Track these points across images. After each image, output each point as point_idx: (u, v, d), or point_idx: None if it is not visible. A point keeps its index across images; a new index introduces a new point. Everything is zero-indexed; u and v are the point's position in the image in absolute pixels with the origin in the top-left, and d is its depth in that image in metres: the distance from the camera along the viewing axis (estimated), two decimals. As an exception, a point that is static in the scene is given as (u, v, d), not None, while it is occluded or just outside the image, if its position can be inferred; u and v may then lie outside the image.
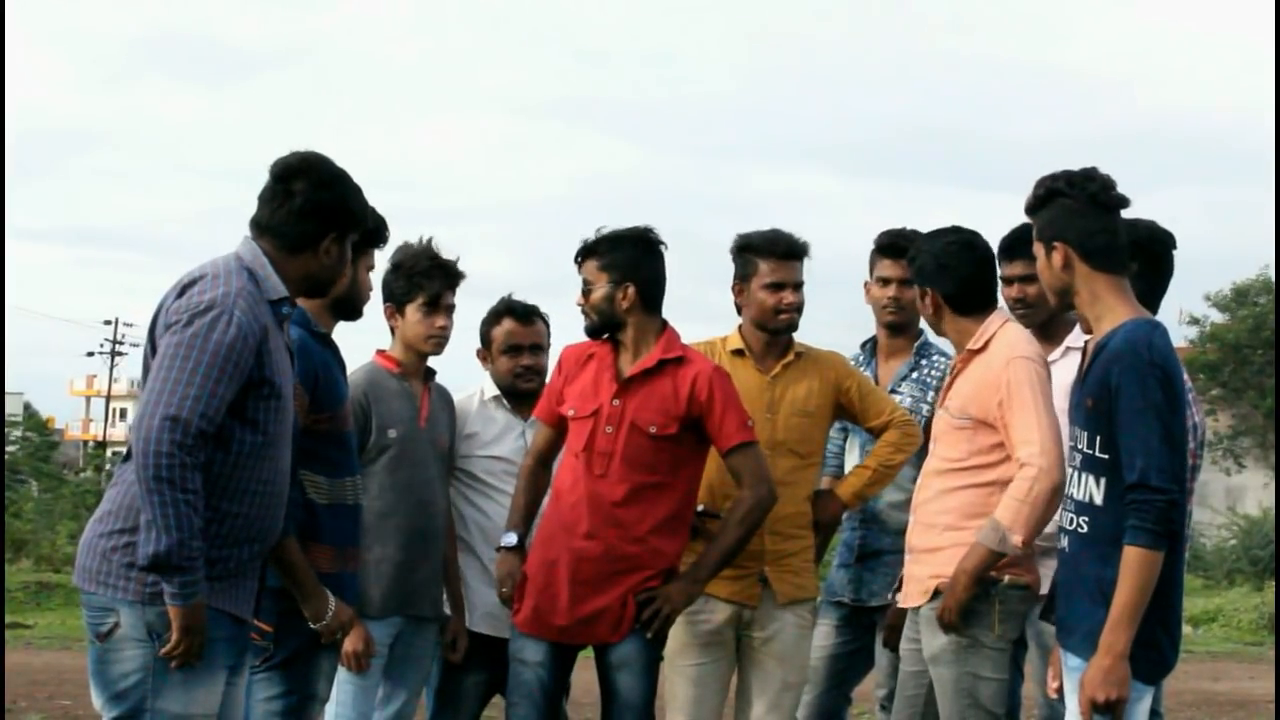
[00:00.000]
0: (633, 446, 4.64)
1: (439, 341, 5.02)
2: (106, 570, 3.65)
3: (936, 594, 4.61)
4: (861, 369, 5.42)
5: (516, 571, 4.71)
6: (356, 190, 3.96)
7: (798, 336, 5.07)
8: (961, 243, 4.73)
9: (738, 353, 5.03)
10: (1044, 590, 4.41)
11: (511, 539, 4.77)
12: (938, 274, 4.69)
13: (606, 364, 4.74)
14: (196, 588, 3.56)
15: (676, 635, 4.86)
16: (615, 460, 4.63)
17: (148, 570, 3.55)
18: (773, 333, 5.01)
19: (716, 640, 4.93)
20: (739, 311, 5.07)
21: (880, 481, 5.09)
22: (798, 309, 5.00)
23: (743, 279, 5.02)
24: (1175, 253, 4.74)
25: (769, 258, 4.97)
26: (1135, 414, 3.69)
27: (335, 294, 4.33)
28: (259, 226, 3.85)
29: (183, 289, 3.70)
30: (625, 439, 4.64)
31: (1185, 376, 4.11)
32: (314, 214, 3.84)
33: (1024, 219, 4.09)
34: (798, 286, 5.00)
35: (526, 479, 4.86)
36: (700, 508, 4.84)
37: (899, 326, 5.39)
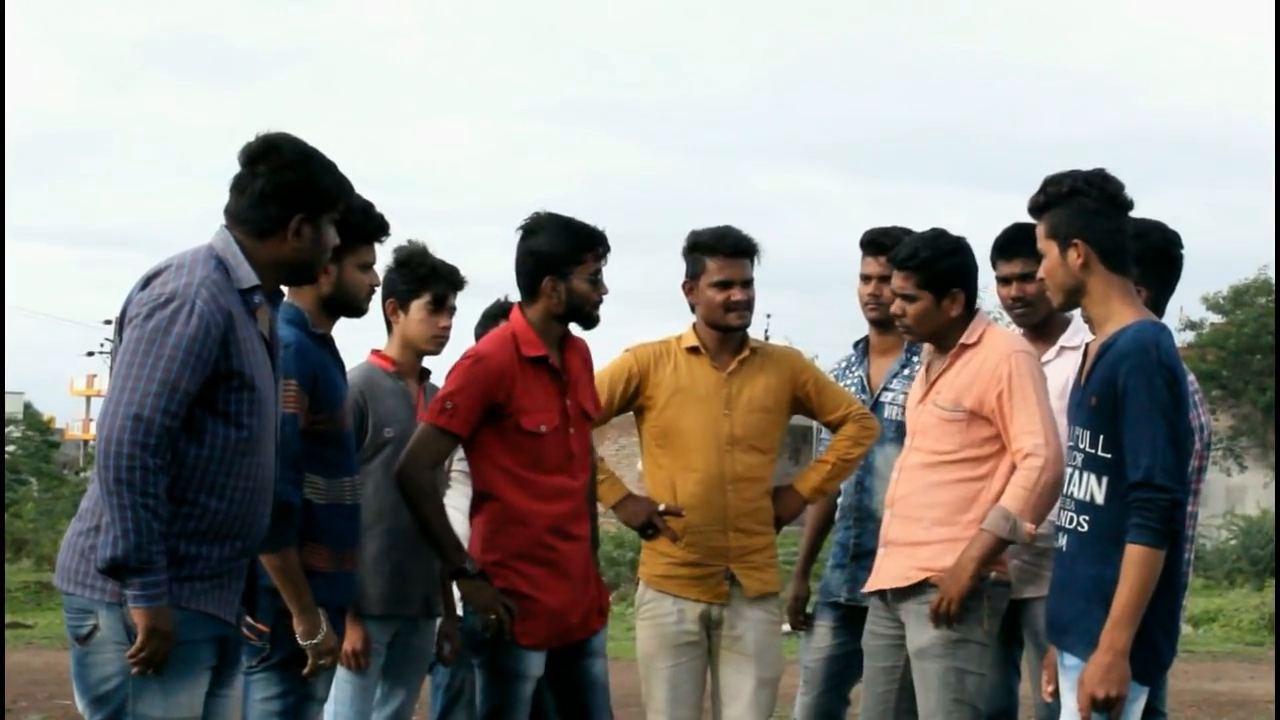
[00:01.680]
0: (588, 437, 4.75)
1: (441, 341, 5.05)
2: (84, 571, 3.56)
3: (922, 589, 4.61)
4: (854, 368, 5.46)
5: (499, 595, 4.51)
6: (327, 168, 3.78)
7: (788, 336, 5.11)
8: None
9: (693, 350, 5.06)
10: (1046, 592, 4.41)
11: (473, 566, 4.55)
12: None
13: (546, 368, 4.62)
14: (159, 589, 3.45)
15: (650, 638, 4.92)
16: (582, 456, 4.69)
17: (105, 573, 3.46)
18: (724, 330, 5.03)
19: (689, 640, 4.96)
20: (692, 310, 5.10)
21: (839, 475, 5.12)
22: (747, 306, 5.02)
23: (693, 277, 5.05)
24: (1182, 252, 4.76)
25: (716, 255, 5.00)
26: (1142, 413, 3.69)
27: (322, 294, 4.32)
28: (229, 214, 3.73)
29: (146, 280, 3.60)
30: (581, 432, 4.70)
31: (1191, 377, 4.13)
32: (276, 196, 3.69)
33: (1024, 218, 4.09)
34: (746, 284, 5.01)
35: (439, 500, 4.62)
36: (661, 507, 4.91)
37: (884, 323, 5.38)
